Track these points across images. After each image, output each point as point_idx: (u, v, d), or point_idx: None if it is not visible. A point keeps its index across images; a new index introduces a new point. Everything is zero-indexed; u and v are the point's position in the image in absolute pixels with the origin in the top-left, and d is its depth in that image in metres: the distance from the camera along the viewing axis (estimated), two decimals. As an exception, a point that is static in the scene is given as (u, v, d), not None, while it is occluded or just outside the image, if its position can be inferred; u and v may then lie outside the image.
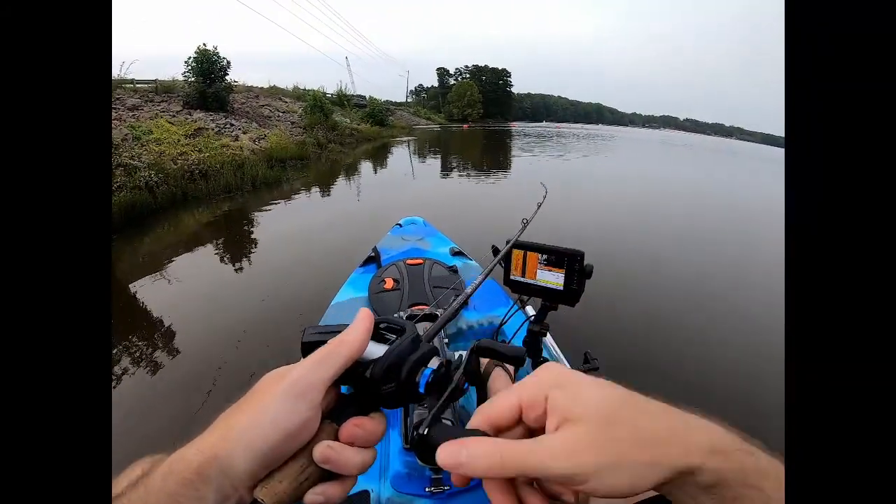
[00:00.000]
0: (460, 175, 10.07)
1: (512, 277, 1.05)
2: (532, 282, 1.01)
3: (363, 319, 0.34)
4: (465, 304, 0.43)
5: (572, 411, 0.26)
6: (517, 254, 1.03)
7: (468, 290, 0.58)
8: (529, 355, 1.15)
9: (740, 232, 6.07)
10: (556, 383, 0.28)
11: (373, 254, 1.81)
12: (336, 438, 0.30)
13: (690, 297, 3.50)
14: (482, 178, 9.45)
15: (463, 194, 7.69)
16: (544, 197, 1.18)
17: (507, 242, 1.06)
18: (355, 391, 0.34)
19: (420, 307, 1.28)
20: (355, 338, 0.32)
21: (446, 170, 10.92)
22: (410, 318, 1.19)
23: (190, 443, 0.28)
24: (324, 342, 0.97)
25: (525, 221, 1.02)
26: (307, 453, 0.29)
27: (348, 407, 0.33)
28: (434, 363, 0.34)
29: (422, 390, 0.33)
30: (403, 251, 1.87)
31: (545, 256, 0.99)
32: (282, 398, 0.28)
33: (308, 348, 0.96)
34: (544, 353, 1.18)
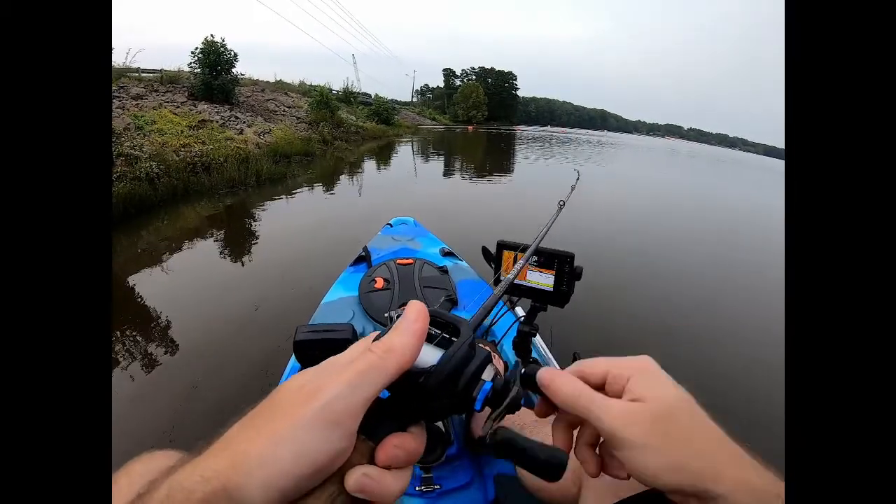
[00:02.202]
0: (464, 178, 10.07)
1: (502, 278, 1.04)
2: (522, 283, 1.00)
3: (417, 320, 0.27)
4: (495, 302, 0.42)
5: (644, 394, 0.30)
6: (508, 255, 1.03)
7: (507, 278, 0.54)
8: (519, 356, 1.14)
9: (747, 236, 6.07)
10: (641, 371, 0.32)
11: (363, 253, 1.81)
12: (371, 458, 0.25)
13: (687, 297, 3.49)
14: (486, 182, 9.45)
15: (465, 197, 7.68)
16: (577, 180, 1.20)
17: (498, 244, 1.06)
18: (395, 399, 0.28)
19: None
20: (406, 345, 0.26)
21: (450, 172, 10.91)
22: None
23: (191, 464, 0.22)
24: (315, 341, 0.94)
25: (561, 203, 1.01)
26: (337, 479, 0.24)
27: (386, 419, 0.26)
28: (489, 373, 0.30)
29: (478, 407, 0.28)
30: (394, 251, 1.86)
31: (536, 258, 0.98)
32: (309, 426, 0.22)
33: (300, 347, 0.93)
34: (533, 354, 1.17)
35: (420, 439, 0.27)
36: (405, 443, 0.26)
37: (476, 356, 0.28)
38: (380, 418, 0.26)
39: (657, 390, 0.30)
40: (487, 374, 0.29)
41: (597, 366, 0.33)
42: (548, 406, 0.35)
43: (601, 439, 0.33)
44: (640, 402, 0.30)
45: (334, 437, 0.23)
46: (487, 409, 0.30)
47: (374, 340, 0.27)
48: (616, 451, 0.30)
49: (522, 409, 0.80)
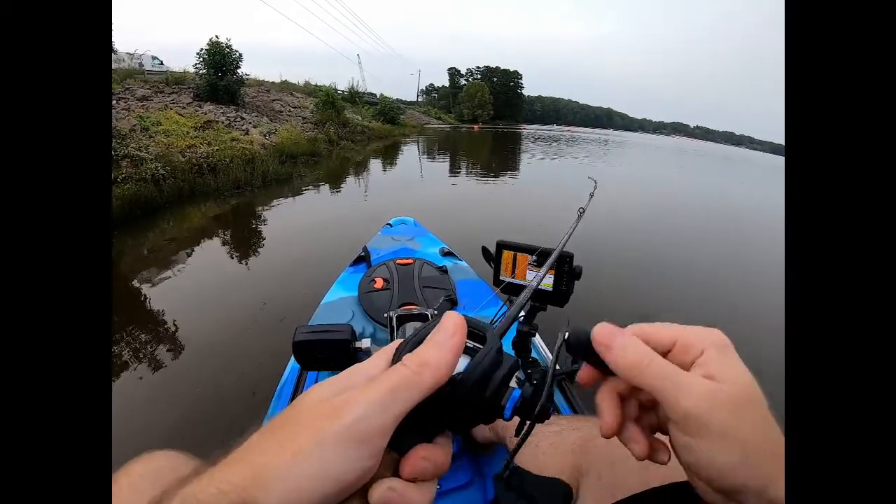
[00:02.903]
0: (468, 178, 10.06)
1: (501, 278, 1.04)
2: (521, 282, 1.00)
3: (455, 334, 0.25)
4: (524, 304, 0.39)
5: (722, 374, 0.26)
6: (507, 254, 1.02)
7: (533, 284, 0.51)
8: (518, 356, 1.14)
9: (752, 236, 6.02)
10: (717, 345, 0.27)
11: (363, 253, 1.81)
12: (395, 470, 0.24)
13: (689, 296, 3.46)
14: (490, 182, 9.44)
15: (467, 197, 7.67)
16: (595, 188, 1.18)
17: (497, 244, 1.06)
18: (421, 410, 0.25)
19: (410, 307, 1.28)
20: (443, 360, 0.24)
21: (455, 172, 10.90)
22: (401, 318, 1.19)
23: (206, 475, 0.21)
24: (314, 342, 0.94)
25: (581, 210, 1.00)
26: (360, 492, 0.23)
27: (411, 429, 0.25)
28: (514, 380, 0.28)
29: (507, 416, 0.26)
30: (393, 251, 1.86)
31: (535, 257, 0.98)
32: (335, 443, 0.21)
33: (299, 348, 0.93)
34: (533, 354, 1.17)
35: (447, 450, 0.26)
36: (433, 455, 0.24)
37: (504, 363, 0.27)
38: (405, 429, 0.24)
39: (736, 372, 0.26)
40: (513, 381, 0.28)
41: (662, 330, 0.28)
42: (595, 371, 0.31)
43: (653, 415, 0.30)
44: (716, 381, 0.25)
45: (362, 455, 0.22)
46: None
47: (397, 350, 0.26)
48: (687, 436, 0.25)
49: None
